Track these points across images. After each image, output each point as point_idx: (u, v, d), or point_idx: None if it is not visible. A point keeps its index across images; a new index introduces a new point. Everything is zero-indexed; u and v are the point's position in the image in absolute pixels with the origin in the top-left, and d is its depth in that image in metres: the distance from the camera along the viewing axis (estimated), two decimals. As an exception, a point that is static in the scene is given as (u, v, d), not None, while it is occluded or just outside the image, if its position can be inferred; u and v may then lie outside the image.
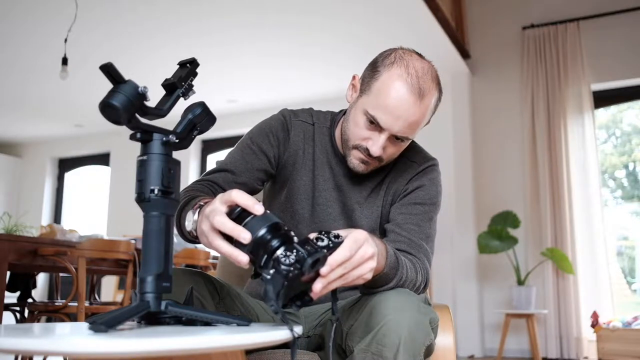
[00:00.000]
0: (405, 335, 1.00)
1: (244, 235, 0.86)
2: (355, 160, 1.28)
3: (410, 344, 1.00)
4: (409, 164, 1.37)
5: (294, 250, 0.86)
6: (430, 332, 1.05)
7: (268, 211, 0.90)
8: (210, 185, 1.27)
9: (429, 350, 1.08)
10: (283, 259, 0.85)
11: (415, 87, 1.20)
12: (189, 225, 1.04)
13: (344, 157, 1.34)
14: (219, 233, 0.90)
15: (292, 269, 0.85)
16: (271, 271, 0.85)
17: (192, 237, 1.06)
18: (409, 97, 1.19)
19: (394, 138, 1.23)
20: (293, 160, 1.36)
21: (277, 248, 0.86)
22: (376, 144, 1.23)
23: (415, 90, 1.20)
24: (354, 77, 1.33)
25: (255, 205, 0.89)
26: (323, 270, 0.88)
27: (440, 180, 1.39)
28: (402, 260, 1.14)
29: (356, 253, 0.92)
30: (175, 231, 1.05)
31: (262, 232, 0.87)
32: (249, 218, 0.89)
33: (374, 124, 1.23)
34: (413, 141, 1.41)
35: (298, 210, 1.35)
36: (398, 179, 1.36)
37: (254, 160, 1.32)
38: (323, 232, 0.91)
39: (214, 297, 1.15)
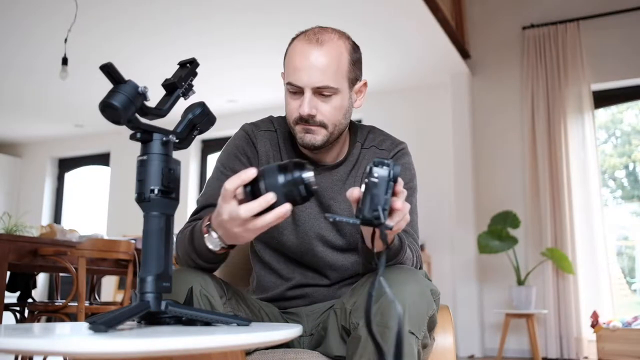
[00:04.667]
0: (409, 304, 1.02)
1: (269, 199, 0.92)
2: (300, 134, 1.28)
3: (414, 313, 1.03)
4: (379, 152, 1.38)
5: (378, 165, 0.91)
6: (432, 302, 1.08)
7: (261, 167, 0.96)
8: None
9: (432, 322, 1.09)
10: (374, 169, 0.91)
11: (312, 39, 1.25)
12: (215, 245, 1.07)
13: (310, 158, 1.35)
14: (253, 218, 0.94)
15: (389, 173, 0.90)
16: (375, 174, 0.90)
17: (222, 254, 1.11)
18: (308, 47, 1.24)
19: (320, 94, 1.24)
20: None
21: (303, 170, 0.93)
22: (303, 104, 1.23)
23: (312, 41, 1.25)
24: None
25: (248, 174, 0.94)
26: (399, 186, 0.94)
27: (413, 163, 1.41)
28: (402, 236, 1.17)
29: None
30: (194, 258, 1.13)
31: (279, 180, 0.92)
32: (259, 184, 0.93)
33: (296, 93, 1.26)
34: (379, 129, 1.44)
35: None
36: None
37: None
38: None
39: (221, 296, 1.17)
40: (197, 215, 1.30)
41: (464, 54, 5.31)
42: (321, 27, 1.30)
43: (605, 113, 5.63)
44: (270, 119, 1.43)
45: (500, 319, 4.95)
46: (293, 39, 1.30)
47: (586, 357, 4.67)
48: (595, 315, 4.34)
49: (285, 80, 1.27)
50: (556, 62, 5.13)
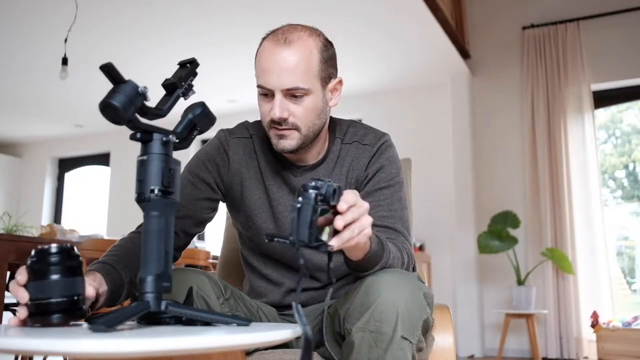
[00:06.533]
0: (402, 309, 1.01)
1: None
2: (274, 140, 1.25)
3: (407, 318, 1.02)
4: (362, 147, 1.34)
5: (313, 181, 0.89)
6: (425, 306, 1.06)
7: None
8: None
9: (426, 326, 1.08)
10: (301, 192, 0.89)
11: (279, 39, 1.22)
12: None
13: (289, 160, 1.33)
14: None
15: (317, 195, 0.88)
16: (300, 198, 0.88)
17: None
18: (275, 48, 1.21)
19: (291, 96, 1.21)
20: (239, 179, 1.34)
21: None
22: (274, 107, 1.20)
23: (279, 41, 1.21)
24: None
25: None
26: (340, 205, 0.91)
27: (397, 155, 1.37)
28: (384, 238, 1.14)
29: (357, 200, 0.95)
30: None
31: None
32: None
33: (267, 95, 1.23)
34: (359, 122, 1.42)
35: (261, 225, 1.34)
36: (355, 165, 1.34)
37: (193, 192, 1.30)
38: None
39: (218, 296, 1.16)
40: None
41: (464, 54, 5.31)
42: (291, 24, 1.27)
43: (605, 113, 5.62)
44: (245, 124, 1.41)
45: (500, 319, 4.95)
46: (263, 39, 1.26)
47: (586, 357, 4.67)
48: (595, 315, 4.34)
49: (257, 84, 1.24)
50: (556, 62, 5.13)
